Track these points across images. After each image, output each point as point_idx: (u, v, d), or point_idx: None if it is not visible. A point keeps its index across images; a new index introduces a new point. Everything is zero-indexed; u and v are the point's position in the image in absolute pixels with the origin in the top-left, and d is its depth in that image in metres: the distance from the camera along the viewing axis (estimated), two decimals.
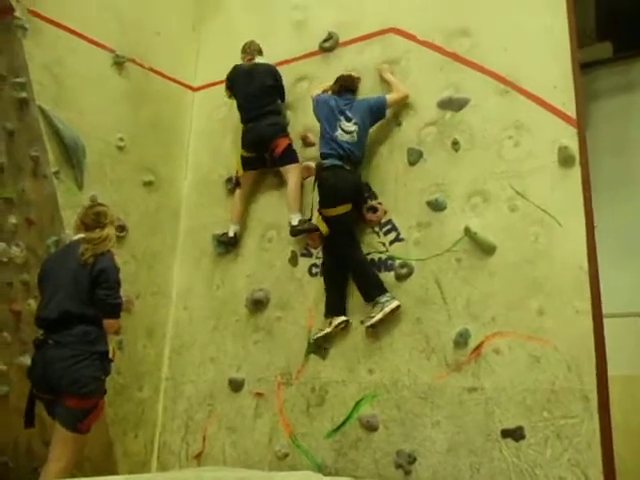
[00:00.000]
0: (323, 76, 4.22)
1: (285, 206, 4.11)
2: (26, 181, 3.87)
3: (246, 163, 4.29)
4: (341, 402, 3.60)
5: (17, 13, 3.79)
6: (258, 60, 4.37)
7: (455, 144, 3.59)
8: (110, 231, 3.17)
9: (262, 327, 4.08)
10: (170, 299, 4.58)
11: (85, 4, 4.24)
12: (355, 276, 3.66)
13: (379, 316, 3.46)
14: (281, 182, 4.23)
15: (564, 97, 3.31)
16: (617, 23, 5.66)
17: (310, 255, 4.01)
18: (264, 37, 4.54)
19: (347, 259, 3.67)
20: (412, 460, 3.27)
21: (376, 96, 3.85)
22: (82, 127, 4.03)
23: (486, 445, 3.09)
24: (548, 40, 3.43)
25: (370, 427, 3.44)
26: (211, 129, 4.86)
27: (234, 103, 4.46)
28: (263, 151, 4.18)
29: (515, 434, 3.03)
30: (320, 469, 3.54)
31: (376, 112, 3.80)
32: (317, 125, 3.92)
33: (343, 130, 3.71)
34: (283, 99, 4.36)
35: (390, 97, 3.80)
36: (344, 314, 3.67)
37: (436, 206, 3.56)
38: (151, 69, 4.66)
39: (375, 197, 3.82)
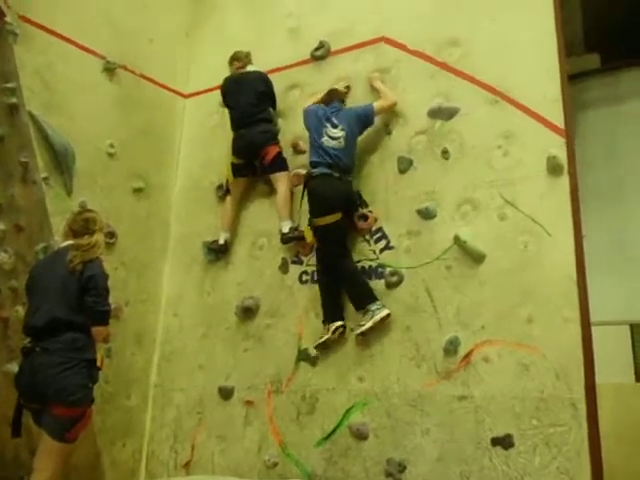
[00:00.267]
0: (315, 84, 4.24)
1: (276, 213, 4.11)
2: (15, 187, 3.83)
3: (236, 170, 4.29)
4: (331, 410, 3.59)
5: (8, 18, 3.78)
6: (249, 69, 4.38)
7: (445, 153, 3.62)
8: (99, 238, 3.13)
9: (252, 335, 4.06)
10: (159, 306, 4.56)
11: (76, 10, 4.23)
12: (345, 285, 3.66)
13: (369, 324, 3.46)
14: (272, 190, 4.23)
15: (553, 107, 3.34)
16: (605, 35, 5.74)
17: (301, 263, 4.01)
18: (256, 44, 4.56)
19: (337, 268, 3.66)
20: (402, 468, 3.27)
21: (364, 104, 3.87)
22: (72, 133, 4.02)
23: (476, 453, 3.09)
24: (537, 51, 3.47)
25: (360, 435, 3.44)
26: (202, 136, 4.86)
27: (225, 110, 4.47)
28: (253, 158, 4.19)
29: (504, 442, 3.03)
30: (310, 478, 3.53)
31: (364, 119, 3.81)
32: (308, 133, 3.92)
33: (329, 136, 3.71)
34: (274, 107, 4.37)
35: (378, 104, 3.82)
36: (341, 319, 3.66)
37: (426, 214, 3.58)
38: (142, 75, 4.65)
39: (366, 205, 3.83)
